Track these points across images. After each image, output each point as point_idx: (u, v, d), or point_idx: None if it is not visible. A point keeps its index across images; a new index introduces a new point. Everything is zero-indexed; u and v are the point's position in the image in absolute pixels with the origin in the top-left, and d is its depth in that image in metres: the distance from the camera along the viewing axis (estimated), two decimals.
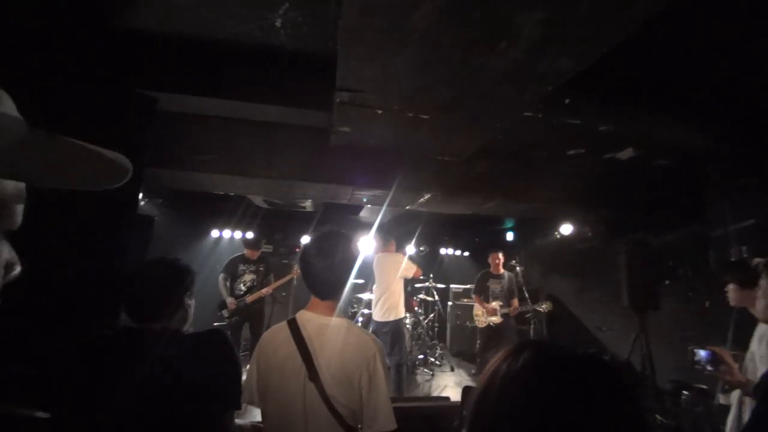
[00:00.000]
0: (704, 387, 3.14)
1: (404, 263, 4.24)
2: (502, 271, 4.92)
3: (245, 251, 4.78)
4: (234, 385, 1.22)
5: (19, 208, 0.41)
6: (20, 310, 1.66)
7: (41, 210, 1.81)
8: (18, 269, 0.44)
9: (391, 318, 4.19)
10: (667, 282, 3.90)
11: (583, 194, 3.78)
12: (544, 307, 4.63)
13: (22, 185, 0.40)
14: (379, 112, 2.23)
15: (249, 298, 4.56)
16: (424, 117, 2.28)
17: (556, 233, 5.12)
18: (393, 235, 4.59)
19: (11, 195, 0.39)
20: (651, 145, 2.96)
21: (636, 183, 3.71)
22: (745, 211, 3.09)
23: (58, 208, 1.93)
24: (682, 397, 3.23)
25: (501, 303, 4.73)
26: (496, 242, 6.88)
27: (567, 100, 2.28)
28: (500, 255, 4.96)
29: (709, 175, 3.35)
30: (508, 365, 0.61)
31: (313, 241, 1.37)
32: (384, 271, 4.32)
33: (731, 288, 2.08)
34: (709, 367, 1.79)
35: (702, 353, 1.81)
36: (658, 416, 3.34)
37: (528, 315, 4.85)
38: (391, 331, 4.13)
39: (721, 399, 2.84)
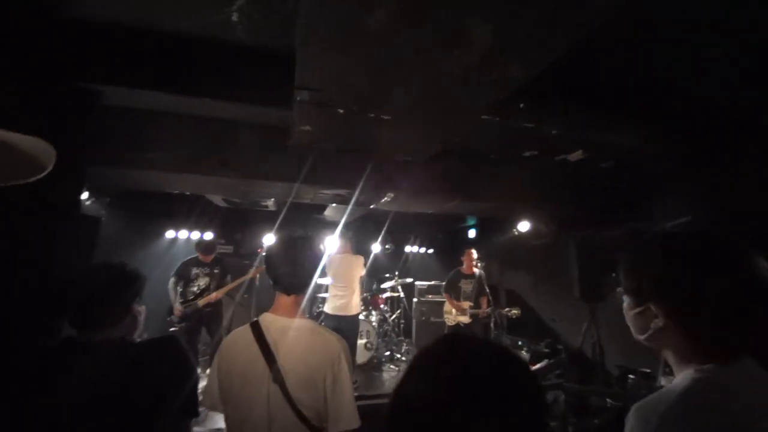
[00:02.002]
0: (648, 371, 3.39)
1: (362, 266, 4.66)
2: (473, 270, 5.00)
3: (197, 254, 4.59)
4: (189, 392, 1.18)
5: None
6: None
7: None
8: None
9: (351, 313, 4.52)
10: (613, 274, 4.17)
11: (538, 193, 3.97)
12: (513, 312, 4.76)
13: None
14: (340, 111, 2.21)
15: (201, 302, 4.38)
16: (385, 117, 2.29)
17: (514, 230, 5.32)
18: (349, 237, 4.86)
19: None
20: (598, 148, 3.15)
21: (586, 182, 3.94)
22: (681, 208, 3.38)
23: None
24: (628, 380, 3.47)
25: (471, 303, 4.83)
26: (460, 240, 7.06)
27: (521, 105, 2.38)
28: (474, 253, 5.02)
29: (651, 175, 3.62)
30: (420, 374, 0.65)
31: (277, 245, 1.38)
32: (345, 270, 4.55)
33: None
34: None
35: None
36: (608, 399, 3.58)
37: (489, 309, 5.01)
38: (347, 328, 4.40)
39: (663, 381, 3.09)
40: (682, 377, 0.78)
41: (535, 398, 0.61)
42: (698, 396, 0.72)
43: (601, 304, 3.96)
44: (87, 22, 2.01)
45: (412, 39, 1.53)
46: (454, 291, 4.99)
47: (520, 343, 5.13)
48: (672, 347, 0.83)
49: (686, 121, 2.84)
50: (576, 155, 3.27)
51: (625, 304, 0.94)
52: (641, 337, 0.89)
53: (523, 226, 5.06)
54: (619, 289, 0.96)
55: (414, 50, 1.61)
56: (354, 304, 4.51)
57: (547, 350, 4.80)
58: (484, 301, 4.84)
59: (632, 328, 0.92)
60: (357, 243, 6.69)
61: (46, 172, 0.41)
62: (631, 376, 3.53)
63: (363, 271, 4.69)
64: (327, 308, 4.56)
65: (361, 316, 5.49)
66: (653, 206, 3.67)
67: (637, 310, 0.88)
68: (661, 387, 2.96)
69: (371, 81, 1.88)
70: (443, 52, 1.61)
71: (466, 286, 4.94)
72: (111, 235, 4.59)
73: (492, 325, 5.23)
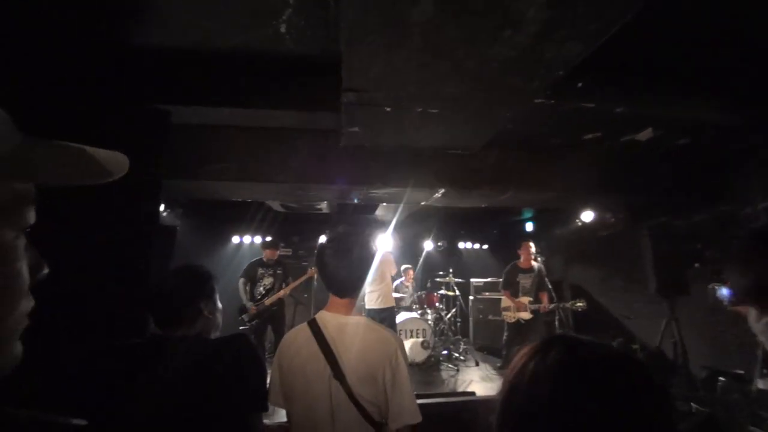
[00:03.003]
0: (741, 372, 3.01)
1: (392, 261, 4.95)
2: (532, 264, 4.76)
3: (264, 253, 4.90)
4: (259, 387, 1.25)
5: (29, 209, 0.43)
6: (52, 318, 1.75)
7: (71, 225, 1.89)
8: (45, 270, 0.46)
9: (387, 305, 4.85)
10: (696, 265, 3.75)
11: (602, 180, 3.68)
12: (578, 305, 4.40)
13: (29, 187, 0.43)
14: (387, 109, 2.23)
15: (268, 301, 4.68)
16: (433, 111, 2.27)
17: (577, 221, 4.99)
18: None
19: (20, 196, 0.42)
20: (670, 125, 2.85)
21: (657, 164, 3.58)
22: None
23: (86, 222, 2.02)
24: (718, 383, 3.11)
25: (530, 299, 4.61)
26: (516, 234, 6.78)
27: (579, 84, 2.22)
28: (532, 246, 4.78)
29: (733, 152, 3.20)
30: (536, 363, 0.60)
31: (328, 241, 1.37)
32: (378, 266, 4.76)
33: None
34: (728, 302, 1.67)
35: (723, 290, 1.70)
36: (693, 404, 3.23)
37: (552, 306, 4.75)
38: (388, 318, 4.73)
39: (760, 384, 2.72)
40: None
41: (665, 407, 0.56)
42: None
43: (682, 299, 3.59)
44: (154, 48, 2.22)
45: (459, 26, 1.49)
46: (512, 287, 4.78)
47: (613, 344, 4.79)
48: None
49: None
50: (645, 134, 2.97)
51: (750, 318, 0.79)
52: None
53: (587, 216, 4.73)
54: (712, 287, 0.83)
55: (462, 37, 1.57)
56: (390, 298, 4.91)
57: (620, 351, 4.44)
58: (544, 297, 4.59)
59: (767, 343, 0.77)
60: (408, 242, 6.86)
61: (123, 173, 0.48)
62: (721, 379, 3.16)
63: (393, 269, 5.00)
64: (368, 304, 4.88)
65: (416, 315, 5.49)
66: (738, 187, 3.23)
67: (767, 318, 0.74)
68: (758, 390, 2.61)
69: (418, 76, 1.87)
70: (493, 35, 1.54)
71: (525, 281, 4.72)
72: (185, 242, 5.04)
73: (557, 322, 4.94)
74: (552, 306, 4.52)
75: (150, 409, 1.06)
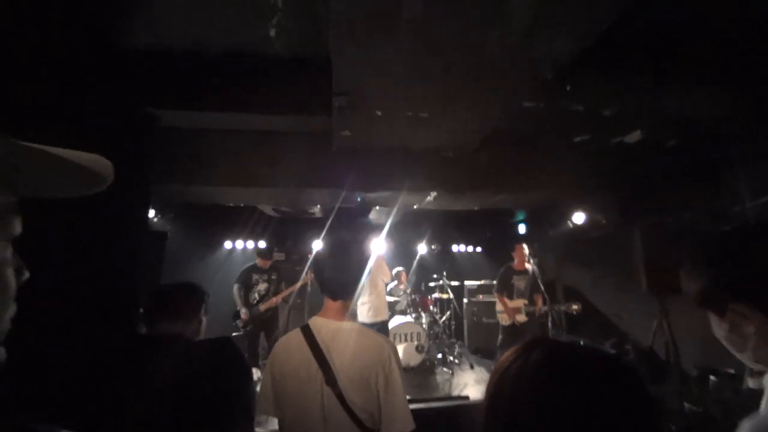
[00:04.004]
0: (732, 371, 3.04)
1: (384, 266, 4.39)
2: (526, 265, 4.75)
3: (257, 260, 4.84)
4: (244, 393, 1.23)
5: (15, 219, 0.44)
6: (40, 324, 1.71)
7: (58, 230, 1.86)
8: (26, 275, 0.47)
9: (379, 319, 4.45)
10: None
11: (592, 181, 3.72)
12: (574, 308, 4.38)
13: (13, 198, 0.43)
14: (378, 113, 2.23)
15: (262, 307, 4.63)
16: (423, 113, 2.27)
17: (569, 222, 5.02)
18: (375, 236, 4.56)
19: (4, 206, 0.42)
20: (660, 124, 2.88)
21: (647, 165, 3.62)
22: (762, 186, 2.99)
23: (73, 228, 1.99)
24: (710, 382, 3.14)
25: (525, 301, 4.59)
26: (509, 236, 6.81)
27: (568, 87, 2.24)
28: (525, 247, 4.73)
29: (724, 150, 3.24)
30: (519, 366, 0.60)
31: (325, 245, 1.41)
32: (369, 272, 4.44)
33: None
34: None
35: None
36: (685, 403, 3.25)
37: (545, 308, 4.76)
38: (380, 332, 4.24)
39: (750, 383, 2.75)
40: None
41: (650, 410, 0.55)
42: None
43: (673, 298, 3.62)
44: (143, 51, 2.20)
45: (449, 25, 1.50)
46: (506, 289, 4.74)
47: (581, 343, 4.81)
48: None
49: (759, 77, 2.47)
50: (634, 136, 3.01)
51: (712, 325, 0.78)
52: (745, 356, 0.74)
53: (578, 217, 4.76)
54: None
55: (451, 37, 1.58)
56: (382, 310, 4.37)
57: (613, 350, 4.47)
58: (539, 299, 4.59)
59: (731, 349, 0.76)
60: (402, 245, 6.61)
61: (105, 185, 0.47)
62: (712, 377, 3.19)
63: (387, 275, 4.47)
64: (360, 317, 4.46)
65: (410, 318, 5.47)
66: (728, 186, 3.28)
67: (725, 323, 0.72)
68: (749, 389, 2.64)
69: (408, 77, 1.88)
70: (482, 34, 1.55)
71: (519, 283, 4.70)
72: (176, 247, 4.98)
73: (549, 323, 4.96)
74: (546, 308, 4.53)
75: (139, 412, 1.04)
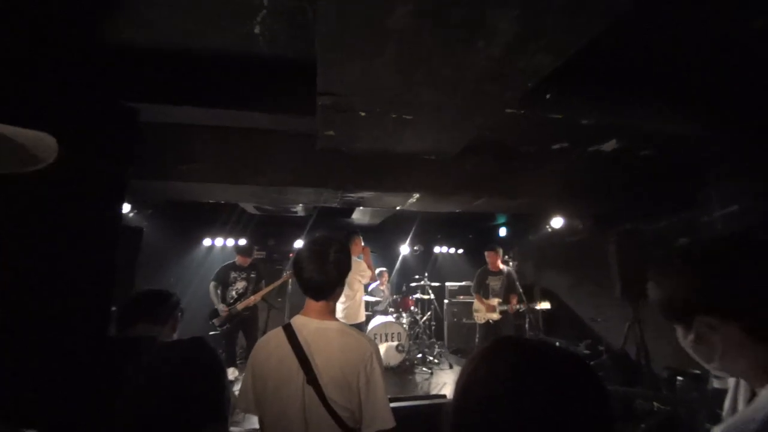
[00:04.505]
0: (698, 372, 3.17)
1: (363, 265, 4.11)
2: (500, 267, 4.93)
3: (236, 258, 4.77)
4: (215, 392, 1.22)
5: None
6: (12, 324, 1.65)
7: (29, 224, 1.79)
8: None
9: (351, 323, 4.16)
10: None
11: (571, 187, 3.82)
12: (542, 305, 4.66)
13: None
14: (363, 114, 2.23)
15: (240, 306, 4.55)
16: (408, 118, 2.29)
17: (548, 227, 5.15)
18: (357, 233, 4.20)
19: None
20: (635, 136, 2.99)
21: (623, 173, 3.75)
22: (729, 196, 3.14)
23: (44, 222, 1.92)
24: (677, 383, 3.27)
25: (500, 300, 4.76)
26: (490, 239, 6.92)
27: (548, 96, 2.30)
28: (497, 251, 4.94)
29: (698, 162, 3.39)
30: (487, 366, 0.62)
31: (306, 244, 1.40)
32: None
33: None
34: None
35: None
36: (655, 403, 3.38)
37: (522, 310, 4.87)
38: None
39: (715, 383, 2.88)
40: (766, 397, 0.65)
41: (603, 403, 0.58)
42: None
43: (645, 303, 3.75)
44: (123, 45, 2.14)
45: (435, 35, 1.52)
46: (482, 289, 4.93)
47: (557, 344, 4.95)
48: (745, 361, 0.70)
49: (739, 103, 2.62)
50: (610, 145, 3.12)
51: (678, 336, 0.79)
52: (713, 366, 0.75)
53: (557, 222, 4.90)
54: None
55: (437, 46, 1.59)
56: (360, 312, 4.15)
57: (587, 352, 4.61)
58: (514, 299, 4.75)
59: (698, 359, 0.77)
60: (384, 245, 6.52)
61: (46, 164, 0.44)
62: (679, 378, 3.33)
63: (367, 275, 4.12)
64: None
65: (391, 318, 5.50)
66: (699, 196, 3.43)
67: (692, 335, 0.74)
68: (714, 389, 2.76)
69: (394, 82, 1.89)
70: (467, 45, 1.58)
71: (494, 283, 4.87)
72: (153, 244, 4.85)
73: (527, 324, 5.08)
74: (518, 307, 4.68)
75: (113, 413, 1.03)
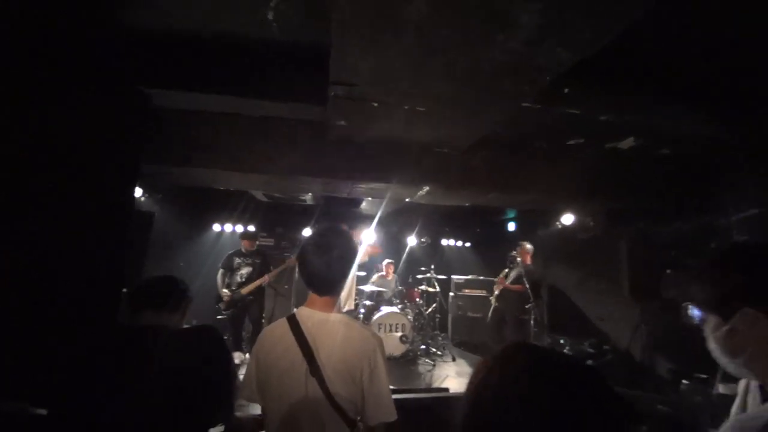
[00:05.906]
0: (704, 376, 3.14)
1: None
2: (528, 262, 5.26)
3: (242, 243, 4.83)
4: (224, 382, 1.23)
5: None
6: (22, 309, 1.68)
7: (41, 209, 1.82)
8: None
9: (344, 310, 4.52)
10: (668, 272, 3.88)
11: (584, 184, 3.75)
12: (531, 306, 4.88)
13: None
14: (376, 105, 2.20)
15: (244, 290, 4.61)
16: (421, 109, 2.25)
17: (558, 223, 5.09)
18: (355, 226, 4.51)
19: None
20: (654, 134, 2.91)
21: (638, 172, 3.67)
22: (748, 200, 3.06)
23: (57, 205, 1.94)
24: (682, 386, 3.24)
25: (502, 278, 5.37)
26: (498, 233, 6.88)
27: (566, 90, 2.24)
28: (526, 249, 5.24)
29: (714, 164, 3.30)
30: (500, 372, 0.62)
31: (310, 238, 1.37)
32: None
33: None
34: (699, 322, 1.77)
35: (695, 311, 1.77)
36: (659, 406, 3.36)
37: (528, 306, 4.87)
38: None
39: (721, 388, 2.84)
40: None
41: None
42: None
43: (653, 304, 3.71)
44: (136, 30, 2.13)
45: (454, 27, 1.48)
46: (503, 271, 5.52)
47: (562, 341, 4.94)
48: None
49: (753, 103, 2.54)
50: (627, 143, 3.04)
51: (708, 327, 0.80)
52: (736, 362, 0.75)
53: (567, 219, 4.84)
54: (686, 305, 0.85)
55: (456, 38, 1.55)
56: (349, 301, 4.43)
57: (591, 350, 4.58)
58: (518, 287, 4.99)
59: (721, 354, 0.78)
60: (392, 237, 6.52)
61: None
62: (684, 381, 3.30)
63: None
64: None
65: (396, 309, 5.52)
66: (715, 198, 3.35)
67: (728, 326, 0.74)
68: (719, 395, 2.73)
69: (409, 73, 1.85)
70: (487, 38, 1.53)
71: (513, 272, 5.28)
72: (163, 228, 4.92)
73: (532, 322, 5.07)
74: (514, 287, 5.10)
75: (124, 402, 1.04)
